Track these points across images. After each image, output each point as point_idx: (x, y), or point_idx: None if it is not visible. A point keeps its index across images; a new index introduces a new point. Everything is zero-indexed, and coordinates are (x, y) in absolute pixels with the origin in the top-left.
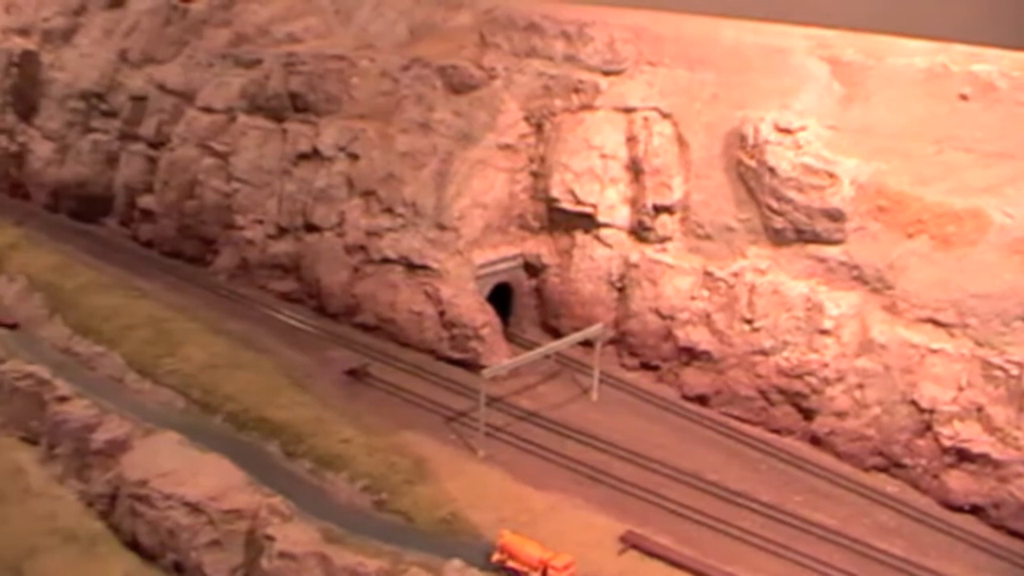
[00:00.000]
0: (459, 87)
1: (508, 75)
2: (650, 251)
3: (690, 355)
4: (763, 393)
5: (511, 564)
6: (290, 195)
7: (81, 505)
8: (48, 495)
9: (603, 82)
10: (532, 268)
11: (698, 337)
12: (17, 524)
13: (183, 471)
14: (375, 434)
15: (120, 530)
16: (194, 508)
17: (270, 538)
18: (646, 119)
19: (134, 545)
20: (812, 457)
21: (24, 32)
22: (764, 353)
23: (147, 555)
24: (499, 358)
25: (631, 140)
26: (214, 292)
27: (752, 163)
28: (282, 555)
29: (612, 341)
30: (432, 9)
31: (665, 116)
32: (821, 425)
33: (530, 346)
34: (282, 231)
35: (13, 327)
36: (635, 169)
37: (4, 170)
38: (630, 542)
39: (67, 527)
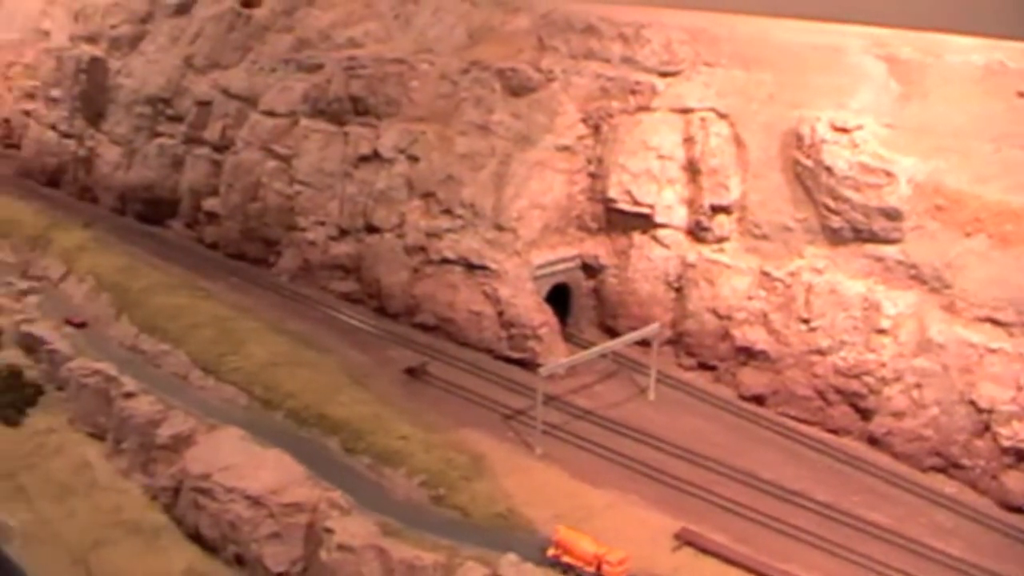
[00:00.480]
0: (517, 89)
1: (566, 77)
2: (707, 251)
3: (747, 355)
4: (820, 393)
5: (566, 559)
6: (351, 197)
7: (145, 498)
8: (114, 488)
9: (660, 83)
10: (590, 269)
11: (755, 337)
12: (84, 517)
13: (245, 465)
14: (433, 431)
15: (183, 523)
16: (255, 501)
17: (329, 531)
18: (703, 120)
19: (196, 537)
20: (869, 457)
21: (92, 39)
22: (821, 353)
23: (209, 547)
24: (557, 358)
25: (688, 141)
26: (276, 292)
27: (809, 162)
28: (341, 547)
29: (669, 341)
30: (490, 13)
31: (722, 116)
32: (879, 425)
33: (588, 346)
34: (343, 232)
35: (82, 326)
36: (692, 169)
37: (73, 174)
38: (685, 539)
39: (132, 519)
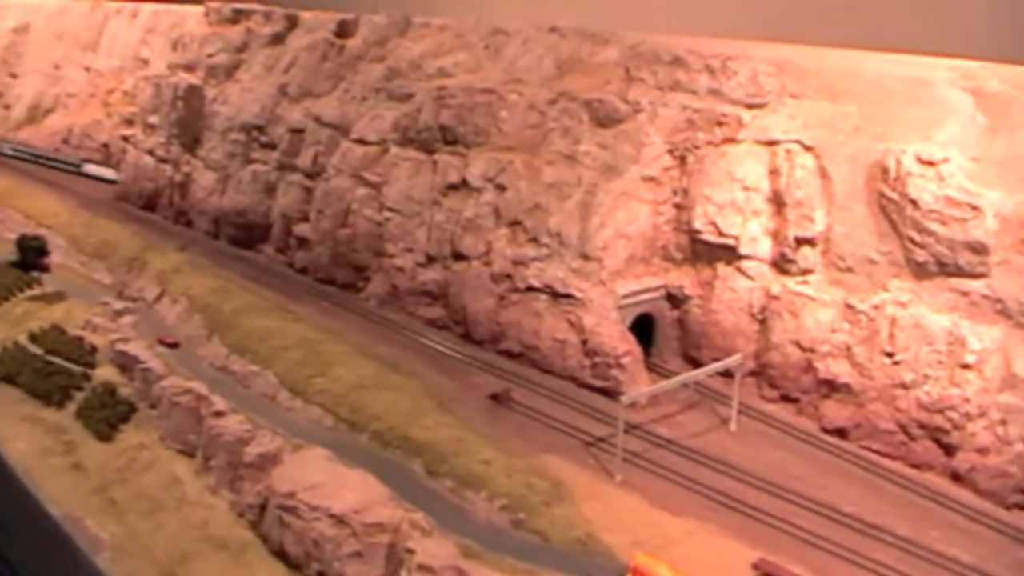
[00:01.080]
0: (604, 120)
1: (653, 108)
2: (791, 283)
3: (830, 387)
4: (903, 427)
5: None
6: (439, 224)
7: (232, 515)
8: (202, 504)
9: (746, 115)
10: (674, 299)
11: (838, 370)
12: (172, 531)
13: (330, 485)
14: (515, 456)
15: (268, 539)
16: (339, 520)
17: (410, 551)
18: (788, 151)
19: (281, 554)
20: (952, 493)
21: (190, 68)
22: (904, 387)
23: (293, 564)
24: (639, 387)
25: (773, 172)
26: (364, 317)
27: (894, 195)
28: (421, 568)
29: (752, 372)
30: (578, 44)
31: (807, 148)
32: (962, 461)
33: (671, 376)
34: (431, 259)
35: (174, 346)
36: (777, 201)
37: (169, 198)
38: (763, 569)
39: (218, 535)
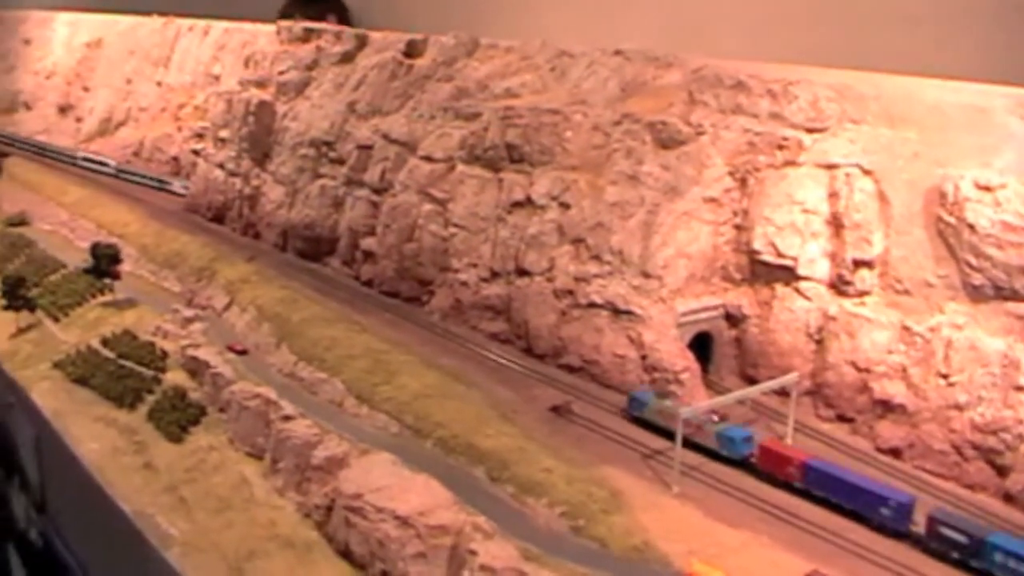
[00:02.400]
0: (667, 142)
1: (715, 131)
2: (849, 304)
3: (885, 408)
4: (957, 448)
5: None
6: (503, 241)
7: (299, 515)
8: (269, 504)
9: (807, 139)
10: (732, 318)
11: (894, 390)
12: (240, 529)
13: (395, 488)
14: (575, 466)
15: (334, 539)
16: (404, 522)
17: (473, 552)
18: (848, 175)
19: (346, 554)
20: (1004, 513)
21: (261, 84)
22: (959, 408)
23: (357, 564)
24: (697, 403)
25: (833, 195)
26: (428, 330)
27: (952, 219)
28: (483, 569)
29: (808, 392)
30: (643, 67)
31: (867, 172)
32: (1015, 482)
33: (728, 393)
34: (494, 275)
35: (243, 353)
36: (836, 224)
37: (238, 211)
38: None
39: (285, 534)
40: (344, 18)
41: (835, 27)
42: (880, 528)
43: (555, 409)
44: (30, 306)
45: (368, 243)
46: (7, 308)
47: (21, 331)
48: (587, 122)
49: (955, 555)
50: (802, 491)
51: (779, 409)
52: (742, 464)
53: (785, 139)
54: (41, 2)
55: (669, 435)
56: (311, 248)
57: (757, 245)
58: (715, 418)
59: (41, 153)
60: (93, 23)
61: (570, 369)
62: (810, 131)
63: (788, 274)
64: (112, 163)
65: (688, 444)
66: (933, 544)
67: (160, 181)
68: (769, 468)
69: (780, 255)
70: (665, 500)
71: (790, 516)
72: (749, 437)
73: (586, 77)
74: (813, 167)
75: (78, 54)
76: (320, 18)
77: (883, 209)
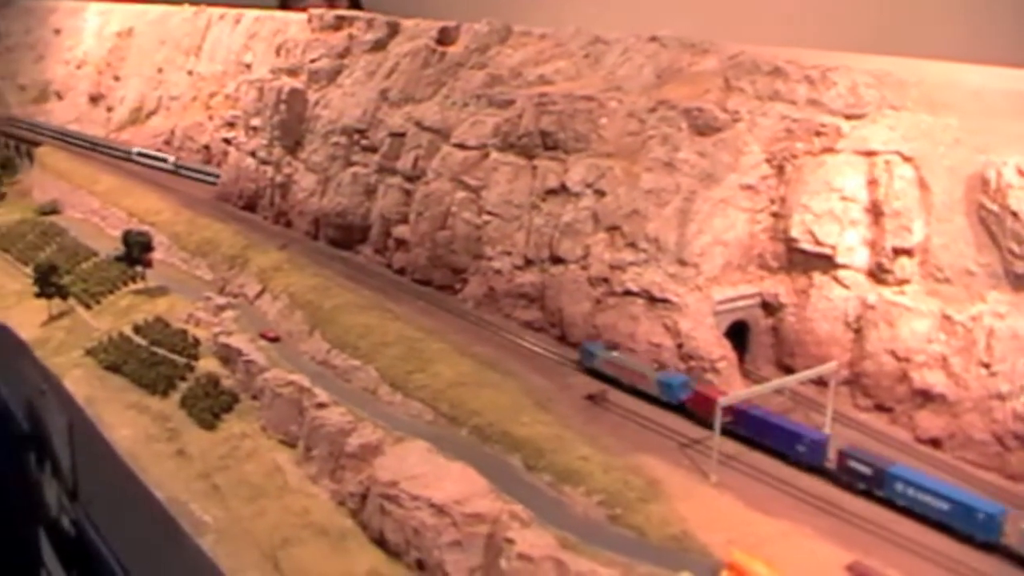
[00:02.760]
0: (703, 129)
1: (751, 118)
2: (888, 293)
3: (925, 398)
4: (999, 438)
5: None
6: (537, 228)
7: (333, 503)
8: (303, 492)
9: (845, 125)
10: (769, 306)
11: (934, 380)
12: (274, 517)
13: (430, 476)
14: (611, 454)
15: (368, 527)
16: (439, 510)
17: (510, 541)
18: (888, 162)
19: (380, 542)
20: None
21: (293, 72)
22: (1001, 398)
23: (392, 552)
24: (734, 391)
25: (872, 183)
26: (462, 317)
27: (994, 207)
28: (520, 557)
29: (846, 381)
30: (678, 54)
31: (907, 159)
32: None
33: (764, 382)
34: (528, 262)
35: (275, 340)
36: (875, 211)
37: (270, 199)
38: (857, 572)
39: (319, 522)
40: (356, 3)
41: (875, 13)
42: (798, 463)
43: (590, 397)
44: (62, 294)
45: (401, 231)
46: (39, 295)
47: (53, 318)
48: (622, 109)
49: (861, 486)
50: (731, 432)
51: (816, 399)
52: (680, 409)
53: (823, 126)
54: None
55: (616, 383)
56: (343, 236)
57: (795, 233)
58: (655, 366)
59: (93, 148)
60: (124, 12)
61: None
62: (849, 117)
63: (826, 262)
64: (171, 159)
65: (630, 390)
66: (843, 477)
67: (218, 177)
68: (702, 412)
69: (818, 243)
70: (703, 489)
71: (830, 506)
72: (686, 383)
73: (621, 64)
74: (852, 154)
75: (109, 43)
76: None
77: (923, 196)
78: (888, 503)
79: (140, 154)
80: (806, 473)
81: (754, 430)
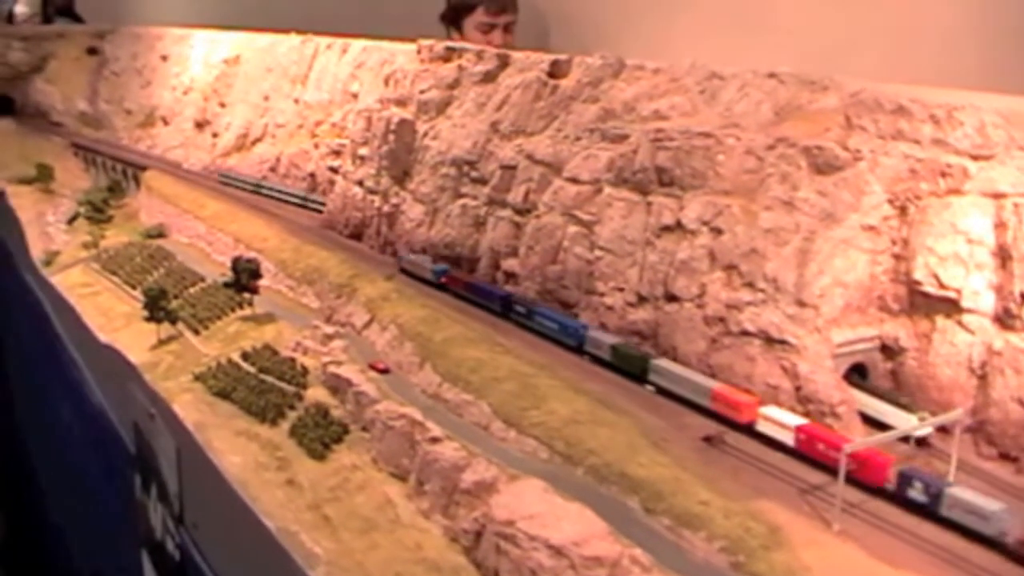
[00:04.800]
0: (824, 167)
1: (873, 157)
2: (1015, 339)
3: None
4: None
5: None
6: (651, 265)
7: (445, 539)
8: (415, 527)
9: (972, 166)
10: (888, 350)
11: None
12: (386, 551)
13: (548, 515)
14: (731, 499)
15: (482, 566)
16: (557, 551)
17: None
18: (1016, 205)
19: None
20: None
21: (401, 102)
22: None
23: None
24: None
25: (1000, 226)
26: (573, 353)
27: None
28: None
29: (969, 429)
30: (797, 90)
31: None
32: None
33: (883, 429)
34: (641, 299)
35: (385, 372)
36: (1003, 255)
37: (376, 228)
38: None
39: (432, 558)
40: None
41: (1003, 49)
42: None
43: (707, 439)
44: (171, 318)
45: (510, 264)
46: (149, 319)
47: (162, 342)
48: (740, 146)
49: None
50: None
51: (938, 445)
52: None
53: (949, 166)
54: (179, 19)
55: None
56: (451, 267)
57: (918, 275)
58: (434, 260)
59: (226, 183)
60: (231, 40)
61: None
62: (976, 158)
63: (950, 306)
64: (301, 194)
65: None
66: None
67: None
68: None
69: (943, 286)
70: (826, 537)
71: (959, 560)
72: (445, 271)
73: (738, 100)
74: (979, 196)
75: (215, 70)
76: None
77: None
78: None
79: (272, 188)
80: (927, 522)
81: (470, 290)
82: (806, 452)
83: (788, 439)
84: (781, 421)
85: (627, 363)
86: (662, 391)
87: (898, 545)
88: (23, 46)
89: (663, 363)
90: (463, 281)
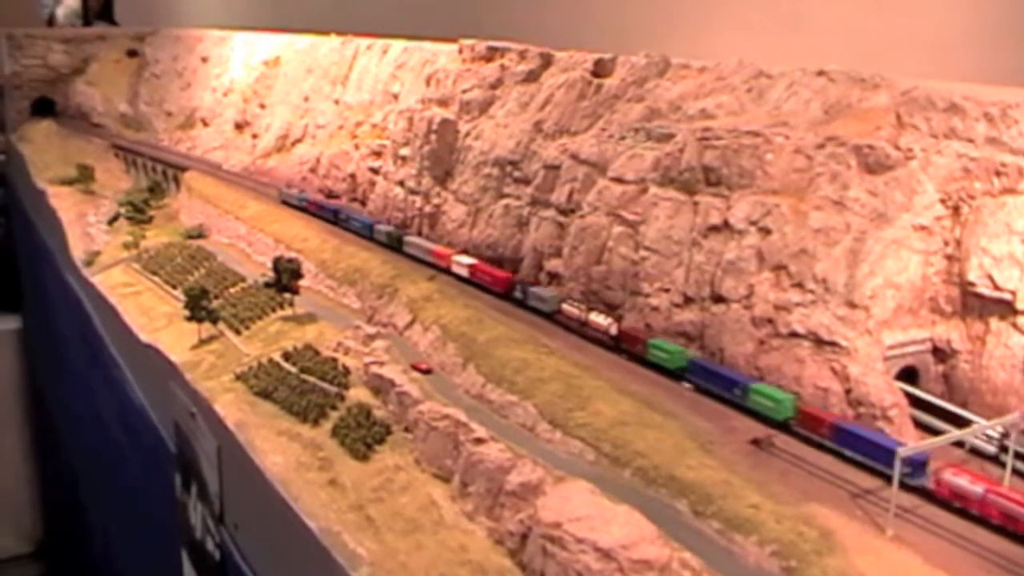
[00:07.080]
0: (874, 167)
1: (925, 156)
2: None
3: None
4: None
5: None
6: (698, 266)
7: (490, 541)
8: (459, 528)
9: None
10: (940, 352)
11: None
12: (430, 552)
13: (596, 518)
14: (782, 502)
15: (528, 568)
16: (605, 554)
17: None
18: None
19: None
20: None
21: (443, 103)
22: None
23: None
24: (906, 440)
25: None
26: (618, 354)
27: None
28: None
29: (1023, 432)
30: (847, 89)
31: None
32: None
33: (935, 432)
34: (688, 300)
35: (428, 372)
36: None
37: (418, 229)
38: None
39: (476, 560)
40: None
41: None
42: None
43: (756, 442)
44: (212, 318)
45: (553, 264)
46: (190, 319)
47: (203, 342)
48: (789, 145)
49: None
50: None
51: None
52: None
53: (1004, 165)
54: (219, 21)
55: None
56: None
57: (972, 277)
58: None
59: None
60: (271, 42)
61: None
62: None
63: (1005, 308)
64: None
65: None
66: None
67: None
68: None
69: (997, 288)
70: (879, 543)
71: (1016, 567)
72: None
73: (786, 98)
74: None
75: (256, 72)
76: None
77: None
78: None
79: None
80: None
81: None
82: (478, 280)
83: (464, 272)
84: (462, 263)
85: (391, 240)
86: (412, 257)
87: (953, 551)
88: (64, 48)
89: (413, 238)
90: (315, 203)
